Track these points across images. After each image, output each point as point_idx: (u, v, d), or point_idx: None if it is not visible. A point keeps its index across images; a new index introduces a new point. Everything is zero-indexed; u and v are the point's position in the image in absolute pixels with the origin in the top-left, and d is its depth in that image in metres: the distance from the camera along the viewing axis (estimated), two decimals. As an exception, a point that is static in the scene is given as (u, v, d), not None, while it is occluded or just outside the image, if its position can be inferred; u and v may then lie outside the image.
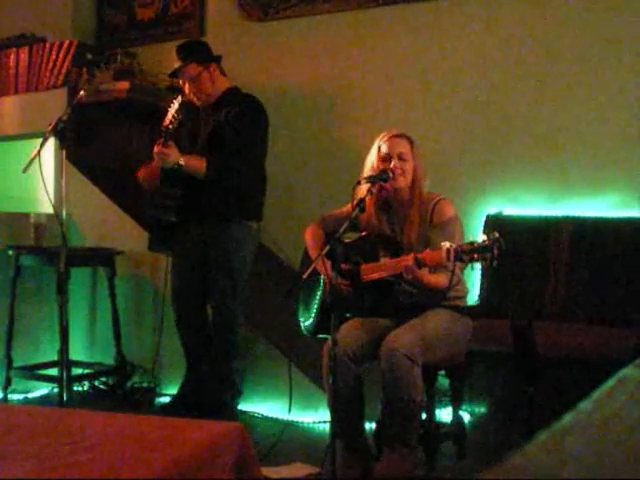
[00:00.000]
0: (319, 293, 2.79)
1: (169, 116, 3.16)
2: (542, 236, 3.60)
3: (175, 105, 3.16)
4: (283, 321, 3.39)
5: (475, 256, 2.31)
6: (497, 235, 2.29)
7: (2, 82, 4.49)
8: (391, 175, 2.62)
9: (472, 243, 2.32)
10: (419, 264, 2.42)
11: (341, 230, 2.45)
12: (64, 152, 2.90)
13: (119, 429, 1.88)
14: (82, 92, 3.08)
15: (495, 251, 2.27)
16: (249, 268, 3.38)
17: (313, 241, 2.85)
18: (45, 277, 3.96)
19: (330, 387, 2.41)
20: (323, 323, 2.70)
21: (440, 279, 2.54)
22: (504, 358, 3.18)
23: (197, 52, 3.36)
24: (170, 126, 3.13)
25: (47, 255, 3.76)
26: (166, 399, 3.83)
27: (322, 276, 2.70)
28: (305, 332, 2.83)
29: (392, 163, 2.65)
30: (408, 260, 2.44)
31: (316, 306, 2.79)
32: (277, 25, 4.50)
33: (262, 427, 3.39)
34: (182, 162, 3.16)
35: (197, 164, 3.22)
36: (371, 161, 2.72)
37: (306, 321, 2.81)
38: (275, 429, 3.29)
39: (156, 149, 3.14)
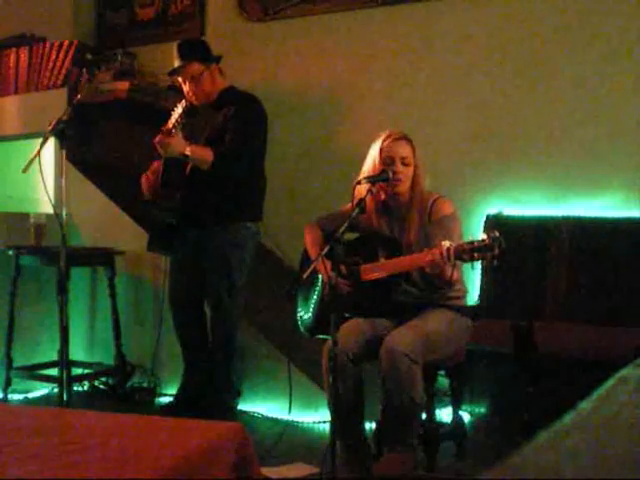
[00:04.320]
0: (318, 289, 2.79)
1: (172, 119, 3.15)
2: (542, 236, 3.60)
3: (179, 109, 3.16)
4: (283, 321, 3.39)
5: (475, 255, 2.30)
6: (497, 234, 2.28)
7: (2, 82, 4.49)
8: (391, 175, 2.62)
9: (472, 242, 2.32)
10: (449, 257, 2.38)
11: (341, 230, 2.44)
12: (64, 152, 2.90)
13: (119, 429, 1.88)
14: (82, 92, 3.08)
15: (496, 250, 2.27)
16: (248, 269, 3.38)
17: (312, 241, 2.85)
18: (45, 277, 3.96)
19: (330, 387, 2.40)
20: (322, 322, 2.70)
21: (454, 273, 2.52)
22: (504, 358, 3.18)
23: (199, 51, 3.36)
24: (173, 130, 3.12)
25: (47, 255, 3.75)
26: (166, 399, 3.83)
27: (321, 275, 2.71)
28: (303, 329, 2.83)
29: (395, 167, 2.63)
30: (434, 254, 2.40)
31: (315, 304, 2.79)
32: (277, 25, 4.50)
33: (262, 427, 3.39)
34: (188, 152, 3.13)
35: (204, 153, 3.19)
36: (372, 161, 2.70)
37: (305, 317, 2.81)
38: (275, 429, 3.29)
39: (157, 138, 3.13)
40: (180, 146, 3.12)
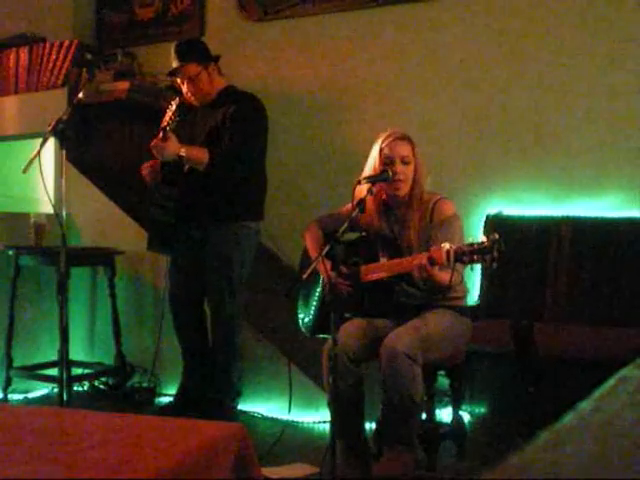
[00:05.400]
0: (318, 290, 2.79)
1: (166, 117, 3.16)
2: (542, 236, 3.60)
3: (173, 107, 3.16)
4: (283, 321, 3.39)
5: (475, 257, 2.30)
6: (497, 236, 2.29)
7: (2, 82, 4.48)
8: (391, 175, 2.62)
9: (472, 244, 2.32)
10: (432, 262, 2.41)
11: (341, 230, 2.44)
12: (64, 152, 2.90)
13: (119, 429, 1.88)
14: (82, 92, 3.08)
15: (495, 253, 2.27)
16: (249, 269, 3.38)
17: (313, 241, 2.85)
18: (45, 277, 3.96)
19: (330, 387, 2.40)
20: (322, 322, 2.70)
21: (447, 277, 2.53)
22: (504, 358, 3.18)
23: (196, 51, 3.36)
24: (168, 127, 3.12)
25: (47, 255, 3.75)
26: (166, 399, 3.83)
27: (321, 275, 2.71)
28: (303, 329, 2.83)
29: (395, 167, 2.64)
30: (422, 259, 2.42)
31: (315, 303, 2.79)
32: (277, 25, 4.50)
33: (262, 427, 3.39)
34: (183, 152, 3.13)
35: (199, 154, 3.18)
36: (372, 162, 2.71)
37: (305, 317, 2.81)
38: (275, 429, 3.29)
39: (152, 143, 3.14)
40: (175, 148, 3.12)
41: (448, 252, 2.34)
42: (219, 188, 3.28)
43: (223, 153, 3.21)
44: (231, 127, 3.24)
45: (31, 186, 3.87)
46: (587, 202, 3.62)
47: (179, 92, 3.47)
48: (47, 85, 4.32)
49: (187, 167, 3.25)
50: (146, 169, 3.36)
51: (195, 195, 3.29)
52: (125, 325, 3.92)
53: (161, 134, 3.11)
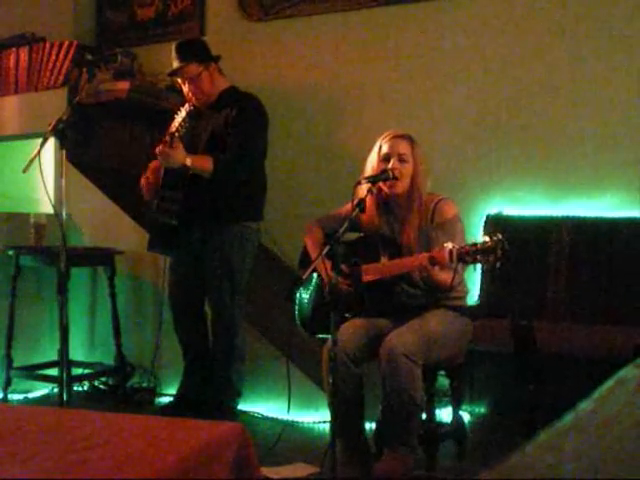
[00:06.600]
0: (312, 286, 2.79)
1: (176, 123, 3.14)
2: (542, 236, 3.60)
3: (182, 113, 3.15)
4: (283, 321, 3.38)
5: (478, 257, 2.30)
6: (500, 236, 2.28)
7: (2, 82, 4.48)
8: (391, 175, 2.62)
9: (475, 244, 2.32)
10: (433, 263, 2.41)
11: (341, 230, 2.44)
12: (64, 152, 2.90)
13: (119, 429, 1.88)
14: (82, 92, 3.08)
15: (498, 252, 2.27)
16: (249, 269, 3.37)
17: (313, 241, 2.85)
18: (45, 277, 3.96)
19: (330, 387, 2.40)
20: (320, 321, 2.70)
21: (447, 277, 2.53)
22: (504, 358, 3.18)
23: (197, 51, 3.35)
24: (177, 133, 3.11)
25: (47, 255, 3.75)
26: (166, 399, 3.83)
27: (322, 275, 2.71)
28: (300, 323, 2.82)
29: (391, 163, 2.64)
30: (422, 259, 2.42)
31: (312, 296, 2.79)
32: (277, 25, 4.50)
33: (262, 427, 3.39)
34: (188, 163, 3.12)
35: (204, 163, 3.17)
36: (371, 161, 2.72)
37: (303, 309, 2.81)
38: (275, 429, 3.29)
39: (159, 149, 3.12)
40: (180, 157, 3.10)
41: (451, 252, 2.34)
42: (220, 189, 3.27)
43: (226, 159, 3.20)
44: (233, 131, 3.24)
45: (31, 186, 3.87)
46: (587, 202, 3.62)
47: (180, 92, 3.46)
48: (47, 85, 4.32)
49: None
50: (144, 183, 3.33)
51: (198, 198, 3.28)
52: (125, 325, 3.92)
53: (168, 140, 3.10)
